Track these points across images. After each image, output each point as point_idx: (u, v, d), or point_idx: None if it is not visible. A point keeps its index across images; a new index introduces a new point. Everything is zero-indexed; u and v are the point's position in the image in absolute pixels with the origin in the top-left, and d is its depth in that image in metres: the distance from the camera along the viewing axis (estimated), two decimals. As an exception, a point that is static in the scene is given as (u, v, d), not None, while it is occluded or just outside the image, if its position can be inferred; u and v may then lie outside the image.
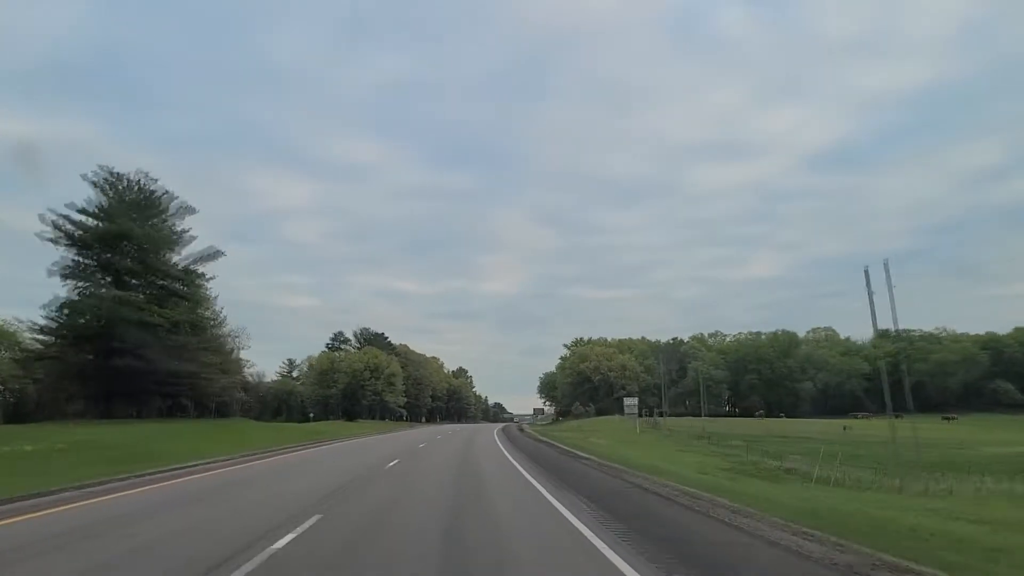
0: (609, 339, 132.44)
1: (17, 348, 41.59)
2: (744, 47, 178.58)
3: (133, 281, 39.94)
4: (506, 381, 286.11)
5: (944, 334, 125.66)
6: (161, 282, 41.40)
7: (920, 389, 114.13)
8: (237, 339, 58.29)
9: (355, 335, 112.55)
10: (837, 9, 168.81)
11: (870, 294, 21.26)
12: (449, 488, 11.73)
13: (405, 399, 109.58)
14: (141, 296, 40.67)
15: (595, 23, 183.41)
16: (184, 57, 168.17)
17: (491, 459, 19.35)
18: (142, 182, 40.36)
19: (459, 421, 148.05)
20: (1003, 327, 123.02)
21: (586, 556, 6.09)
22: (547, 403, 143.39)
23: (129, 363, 36.11)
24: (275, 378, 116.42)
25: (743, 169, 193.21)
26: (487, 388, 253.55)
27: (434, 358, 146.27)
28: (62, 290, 38.68)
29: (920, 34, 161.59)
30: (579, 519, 8.17)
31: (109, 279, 39.43)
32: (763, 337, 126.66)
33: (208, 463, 18.16)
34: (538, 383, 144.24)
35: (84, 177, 40.13)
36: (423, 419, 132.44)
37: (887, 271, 24.61)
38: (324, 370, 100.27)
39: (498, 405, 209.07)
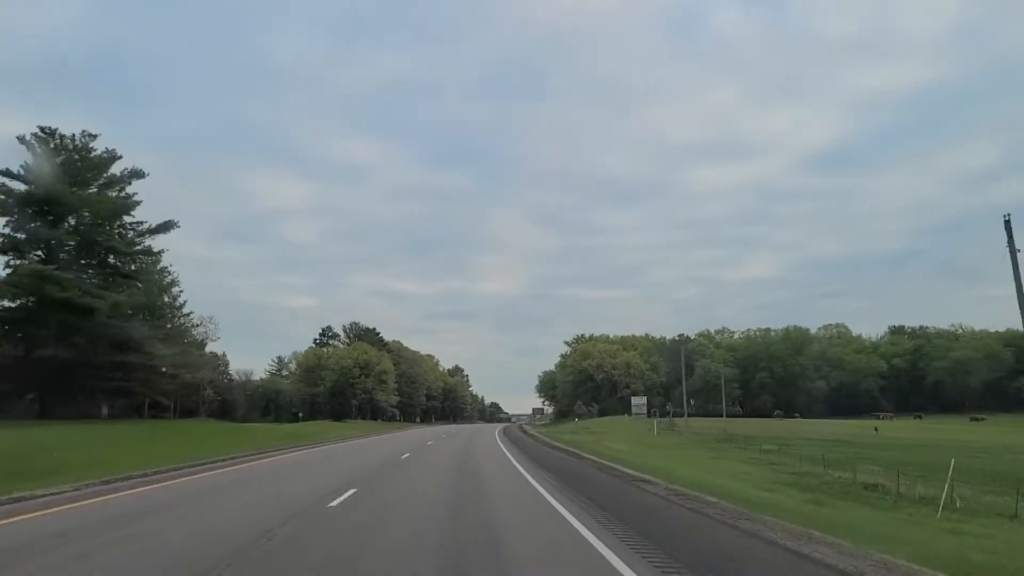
0: (611, 336, 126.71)
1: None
2: (742, 47, 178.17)
3: (67, 257, 33.61)
4: (503, 381, 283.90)
5: (960, 331, 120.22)
6: (104, 259, 35.04)
7: (939, 388, 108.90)
8: (198, 327, 50.70)
9: (345, 330, 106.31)
10: (835, 10, 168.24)
11: (1013, 251, 15.29)
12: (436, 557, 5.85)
13: (398, 398, 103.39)
14: (83, 276, 34.57)
15: (594, 23, 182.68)
16: (183, 56, 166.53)
17: (502, 480, 13.20)
18: (77, 140, 33.92)
19: (455, 421, 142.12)
20: (1002, 328, 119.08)
21: None
22: (546, 403, 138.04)
23: (56, 354, 29.99)
24: (264, 376, 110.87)
25: (741, 169, 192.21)
26: (484, 388, 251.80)
27: (429, 356, 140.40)
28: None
29: (918, 35, 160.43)
30: None
31: (40, 254, 33.28)
32: (772, 334, 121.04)
33: (80, 487, 12.20)
34: (537, 382, 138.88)
35: (21, 139, 34.25)
36: (417, 419, 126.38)
37: (1009, 232, 17.83)
38: (311, 367, 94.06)
39: (494, 405, 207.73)
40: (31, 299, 31.63)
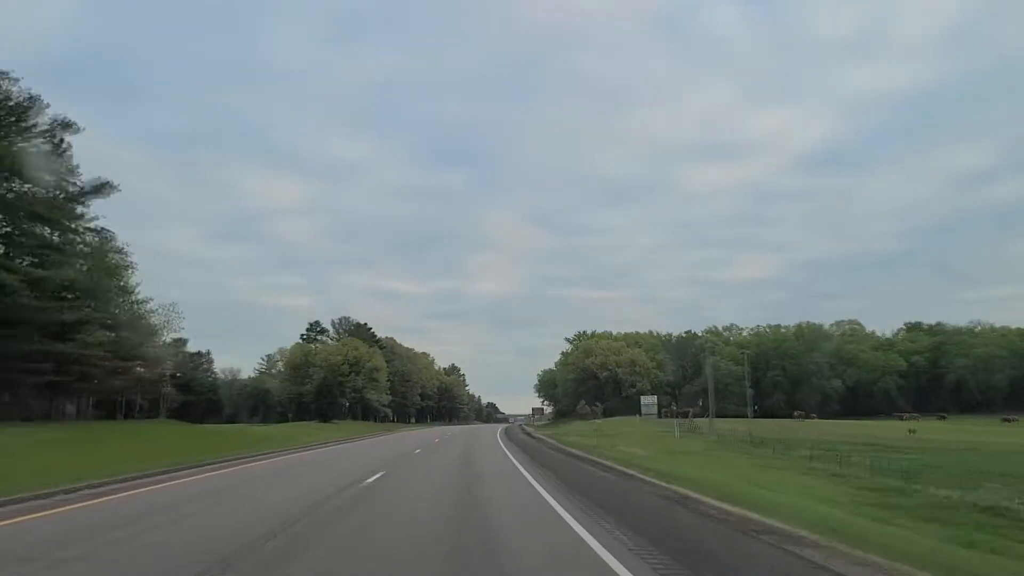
0: (614, 333, 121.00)
1: None
2: (736, 47, 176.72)
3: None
4: (499, 381, 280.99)
5: (979, 328, 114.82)
6: (21, 224, 29.02)
7: (961, 387, 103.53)
8: (154, 312, 43.21)
9: (334, 324, 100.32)
10: (828, 10, 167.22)
11: None
12: None
13: (390, 397, 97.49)
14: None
15: (587, 23, 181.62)
16: (173, 54, 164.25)
17: (531, 538, 7.29)
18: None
19: (451, 422, 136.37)
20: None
21: None
22: (545, 402, 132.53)
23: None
24: (254, 375, 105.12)
25: (735, 170, 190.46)
26: (480, 388, 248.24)
27: (424, 353, 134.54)
28: None
29: (913, 35, 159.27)
30: None
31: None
32: (783, 330, 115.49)
33: None
34: (536, 381, 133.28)
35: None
36: (411, 419, 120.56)
37: None
38: (298, 364, 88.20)
39: (491, 405, 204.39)
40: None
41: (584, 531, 7.27)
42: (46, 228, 29.66)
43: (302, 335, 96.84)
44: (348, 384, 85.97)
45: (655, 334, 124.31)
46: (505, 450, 24.64)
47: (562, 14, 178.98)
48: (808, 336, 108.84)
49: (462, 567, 5.52)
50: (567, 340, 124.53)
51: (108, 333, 32.39)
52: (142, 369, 37.56)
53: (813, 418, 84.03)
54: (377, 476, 14.36)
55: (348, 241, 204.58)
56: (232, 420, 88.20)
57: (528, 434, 43.63)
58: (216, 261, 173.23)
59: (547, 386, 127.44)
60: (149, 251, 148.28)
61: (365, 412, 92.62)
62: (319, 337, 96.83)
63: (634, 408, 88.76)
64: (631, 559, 5.77)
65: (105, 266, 36.57)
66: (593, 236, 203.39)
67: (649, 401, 65.42)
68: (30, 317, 27.83)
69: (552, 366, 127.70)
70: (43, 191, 28.49)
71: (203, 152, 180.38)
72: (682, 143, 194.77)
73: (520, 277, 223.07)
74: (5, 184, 27.42)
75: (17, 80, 28.50)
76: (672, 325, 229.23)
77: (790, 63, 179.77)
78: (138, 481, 13.45)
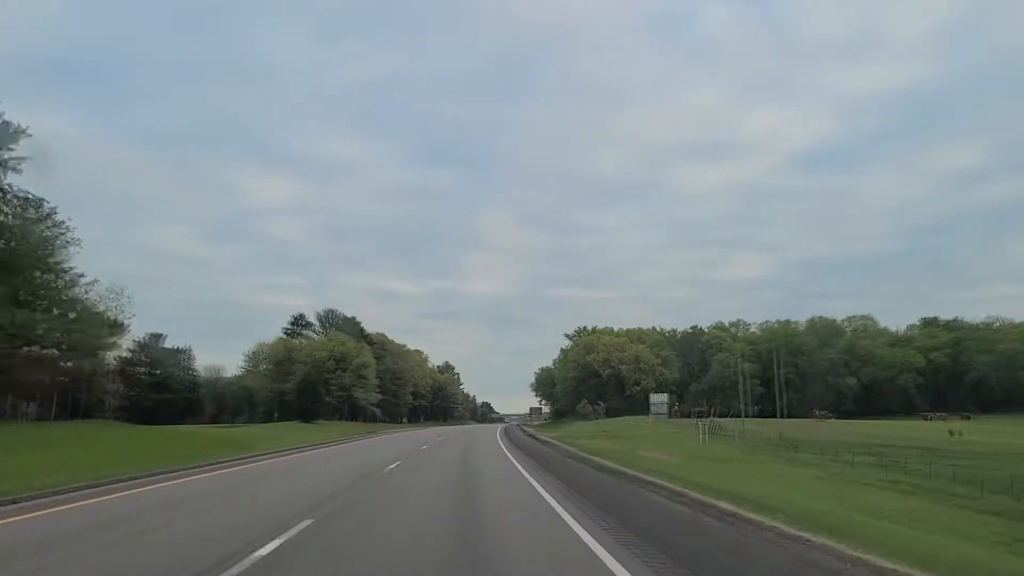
0: (616, 329, 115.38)
1: None
2: (729, 47, 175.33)
3: None
4: (494, 381, 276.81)
5: (998, 324, 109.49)
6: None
7: (982, 385, 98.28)
8: (86, 297, 36.06)
9: (319, 318, 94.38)
10: (823, 10, 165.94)
11: None
12: None
13: (380, 396, 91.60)
14: None
15: (581, 23, 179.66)
16: (166, 53, 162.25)
17: None
18: None
19: (445, 422, 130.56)
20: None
21: None
22: (543, 402, 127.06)
23: None
24: (239, 372, 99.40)
25: (730, 170, 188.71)
26: (475, 388, 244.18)
27: (417, 351, 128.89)
28: None
29: (907, 34, 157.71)
30: None
31: None
32: (792, 325, 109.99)
33: None
34: (533, 379, 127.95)
35: None
36: (403, 419, 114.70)
37: None
38: (280, 360, 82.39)
39: (486, 405, 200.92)
40: None
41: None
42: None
43: (285, 329, 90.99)
44: (334, 381, 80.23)
45: (658, 330, 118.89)
46: (514, 462, 18.87)
47: (556, 14, 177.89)
48: (820, 331, 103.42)
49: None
50: (567, 336, 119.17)
51: (24, 311, 26.72)
52: (69, 363, 31.81)
53: (831, 418, 78.60)
54: (307, 525, 8.04)
55: (343, 241, 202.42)
56: (216, 421, 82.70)
57: (531, 436, 37.88)
58: (211, 261, 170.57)
59: (545, 385, 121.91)
60: (149, 251, 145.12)
61: (353, 411, 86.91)
62: (303, 331, 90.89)
63: (638, 407, 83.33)
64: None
65: (34, 240, 30.89)
66: (588, 236, 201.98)
67: (659, 400, 59.96)
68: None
69: (550, 364, 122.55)
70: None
71: (198, 151, 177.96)
72: (676, 143, 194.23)
73: (515, 277, 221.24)
74: None
75: None
76: (670, 325, 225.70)
77: (784, 63, 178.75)
78: None
